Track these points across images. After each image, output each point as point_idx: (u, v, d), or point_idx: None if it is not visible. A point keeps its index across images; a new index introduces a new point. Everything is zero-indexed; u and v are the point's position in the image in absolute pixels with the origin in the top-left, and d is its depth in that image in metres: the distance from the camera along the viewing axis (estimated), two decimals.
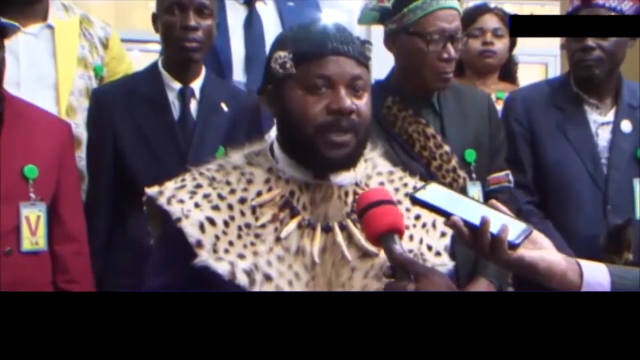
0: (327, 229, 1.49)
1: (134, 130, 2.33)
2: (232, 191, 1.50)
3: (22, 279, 2.07)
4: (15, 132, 2.13)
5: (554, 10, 4.69)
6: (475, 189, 2.23)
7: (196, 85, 2.37)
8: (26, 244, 2.11)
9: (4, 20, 2.09)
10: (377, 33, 2.42)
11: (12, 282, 2.03)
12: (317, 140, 1.45)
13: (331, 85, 1.45)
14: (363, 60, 1.49)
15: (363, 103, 1.48)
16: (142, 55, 5.04)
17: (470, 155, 2.27)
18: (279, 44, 1.53)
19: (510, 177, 2.38)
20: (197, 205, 1.47)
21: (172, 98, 2.35)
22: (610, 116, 2.54)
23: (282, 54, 1.47)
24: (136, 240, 2.24)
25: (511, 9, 3.35)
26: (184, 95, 2.35)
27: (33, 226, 2.12)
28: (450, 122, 2.28)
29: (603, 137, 2.52)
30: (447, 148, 2.22)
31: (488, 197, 2.20)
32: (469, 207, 1.29)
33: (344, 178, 1.52)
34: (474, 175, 2.26)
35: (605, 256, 2.32)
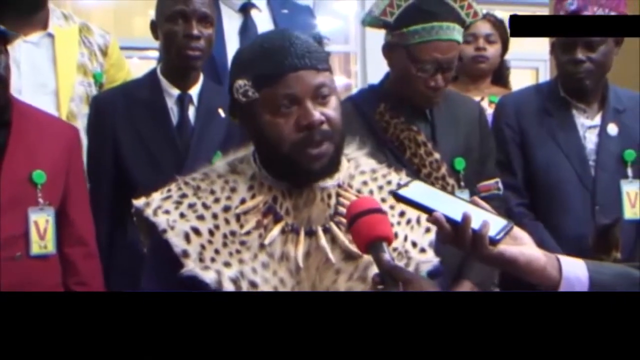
0: (311, 233, 1.47)
1: (133, 136, 2.35)
2: (217, 200, 1.49)
3: (31, 282, 2.10)
4: (23, 138, 2.15)
5: None
6: (464, 197, 2.23)
7: (194, 91, 2.40)
8: (35, 248, 2.14)
9: (1, 27, 2.11)
10: (376, 36, 2.47)
11: (21, 284, 2.05)
12: (295, 156, 1.44)
13: (296, 101, 1.43)
14: (323, 66, 1.47)
15: (331, 109, 1.46)
16: (141, 63, 5.05)
17: (460, 163, 2.29)
18: (235, 70, 1.50)
19: (500, 185, 2.41)
20: (182, 215, 1.47)
21: (171, 104, 2.38)
22: (597, 120, 2.57)
23: (241, 82, 1.45)
24: (136, 244, 2.27)
25: (502, 15, 3.37)
26: (183, 101, 2.38)
27: (42, 230, 2.14)
28: (441, 129, 2.30)
29: (590, 140, 2.55)
30: (437, 156, 2.24)
31: None
32: (451, 204, 1.30)
33: (326, 181, 1.52)
34: (462, 183, 2.29)
35: (594, 255, 2.33)
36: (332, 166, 1.50)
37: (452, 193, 2.16)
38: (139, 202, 1.52)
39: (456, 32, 2.19)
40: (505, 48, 3.27)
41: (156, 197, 1.52)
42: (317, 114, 1.43)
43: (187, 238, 1.45)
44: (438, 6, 2.16)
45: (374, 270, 1.36)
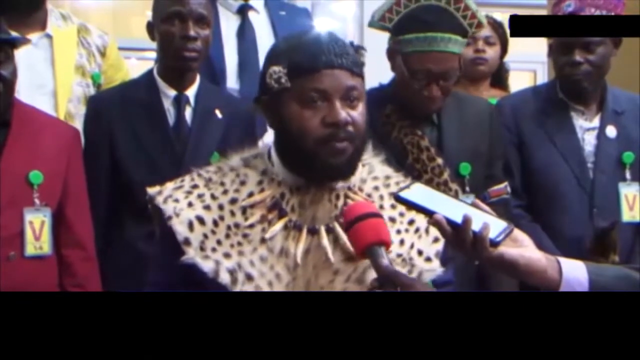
0: (313, 231, 1.49)
1: (130, 137, 2.36)
2: (225, 192, 1.52)
3: (27, 283, 2.09)
4: (22, 138, 2.15)
5: None
6: (468, 202, 2.23)
7: (191, 92, 2.40)
8: (30, 249, 2.13)
9: (14, 34, 2.11)
10: (373, 37, 2.46)
11: (16, 286, 2.04)
12: (319, 151, 1.46)
13: (326, 98, 1.46)
14: (357, 71, 1.50)
15: (358, 113, 1.48)
16: (140, 63, 5.05)
17: (465, 168, 2.27)
18: (272, 57, 1.52)
19: (508, 189, 2.40)
20: (190, 204, 1.50)
21: (168, 105, 2.38)
22: (595, 122, 2.58)
23: (276, 68, 1.47)
24: (132, 244, 2.28)
25: (501, 17, 3.38)
26: (179, 102, 2.38)
27: (37, 231, 2.14)
28: (448, 133, 2.29)
29: (589, 142, 2.56)
30: (439, 161, 2.22)
31: None
32: (452, 206, 1.30)
33: (338, 182, 1.53)
34: (467, 188, 2.26)
35: (592, 258, 2.33)
36: (349, 167, 1.52)
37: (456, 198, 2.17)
38: (152, 190, 1.55)
39: (452, 44, 2.16)
40: (504, 50, 3.27)
41: (169, 186, 1.56)
42: (344, 113, 1.46)
43: (190, 226, 1.48)
44: (437, 16, 2.15)
45: (373, 273, 1.36)
